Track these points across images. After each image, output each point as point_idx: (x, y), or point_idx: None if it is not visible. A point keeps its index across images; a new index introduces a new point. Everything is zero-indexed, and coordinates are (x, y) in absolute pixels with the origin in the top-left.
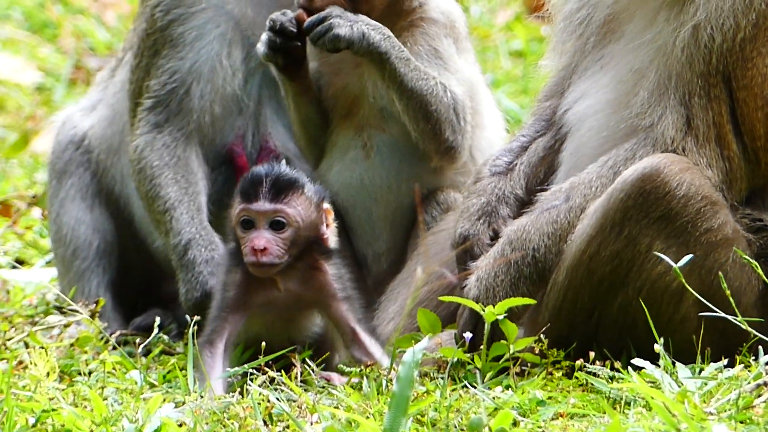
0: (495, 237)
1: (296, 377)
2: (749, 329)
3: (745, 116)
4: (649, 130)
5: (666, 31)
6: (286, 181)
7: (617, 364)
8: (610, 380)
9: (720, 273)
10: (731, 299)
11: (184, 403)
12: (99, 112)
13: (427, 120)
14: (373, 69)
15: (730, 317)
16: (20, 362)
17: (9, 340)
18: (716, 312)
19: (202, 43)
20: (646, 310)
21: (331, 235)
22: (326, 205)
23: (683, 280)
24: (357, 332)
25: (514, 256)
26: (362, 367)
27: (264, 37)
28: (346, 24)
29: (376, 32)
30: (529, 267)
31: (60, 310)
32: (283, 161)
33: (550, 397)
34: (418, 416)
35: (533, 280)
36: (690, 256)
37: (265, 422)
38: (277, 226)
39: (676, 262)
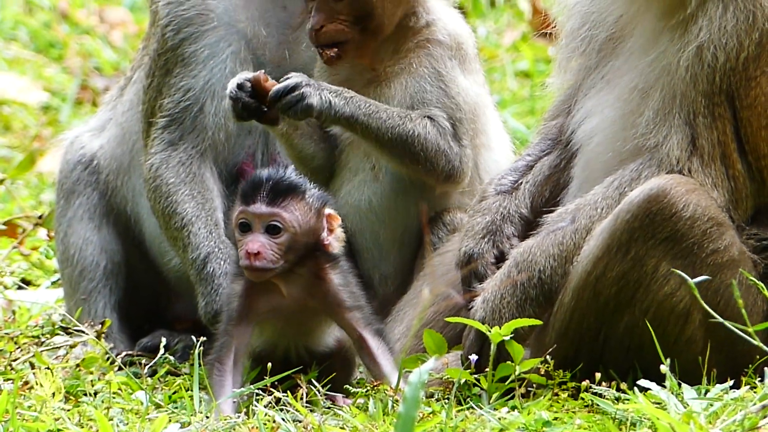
0: (499, 256)
1: (302, 398)
2: (759, 343)
3: (749, 135)
4: (654, 150)
5: (670, 51)
6: (286, 185)
7: (623, 385)
8: (615, 401)
9: (733, 282)
10: (743, 311)
11: (189, 423)
12: (108, 131)
13: (415, 161)
14: (347, 132)
15: (739, 329)
16: (26, 383)
17: (15, 360)
18: (728, 325)
19: (215, 61)
20: (652, 331)
21: (333, 242)
22: (329, 211)
23: (698, 296)
24: (365, 339)
25: (520, 278)
26: (368, 387)
27: (227, 104)
28: (316, 93)
29: (339, 98)
30: (536, 289)
31: (66, 330)
32: (290, 167)
33: (556, 418)
34: None
35: (539, 302)
36: (705, 277)
37: None
38: (273, 230)
39: (683, 283)
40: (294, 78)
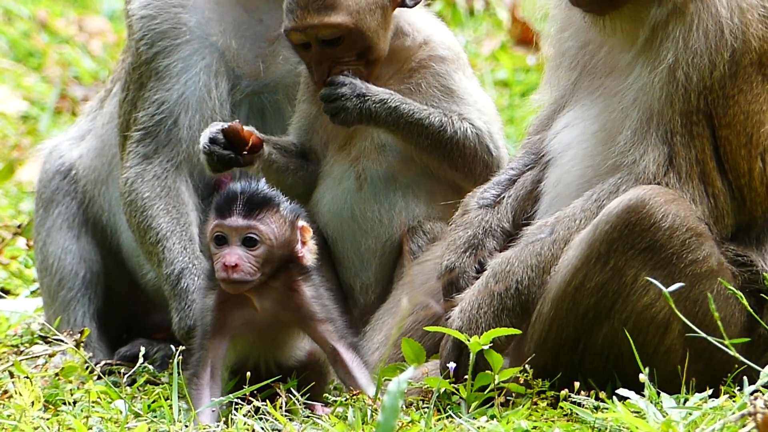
0: (481, 270)
1: (281, 407)
2: (735, 354)
3: (729, 153)
4: (632, 166)
5: (645, 71)
6: (261, 198)
7: (602, 394)
8: (595, 410)
9: (709, 295)
10: (719, 323)
11: None
12: (87, 142)
13: (454, 166)
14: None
15: (716, 341)
16: (5, 392)
17: None
18: (704, 337)
19: (188, 75)
20: (631, 341)
21: (307, 254)
22: (302, 223)
23: (673, 306)
24: (339, 352)
25: (497, 288)
26: (347, 396)
27: (201, 159)
28: (357, 102)
29: (381, 105)
30: (513, 299)
31: (45, 339)
32: (262, 179)
33: (535, 427)
34: None
35: (516, 312)
36: (680, 284)
37: None
38: (249, 242)
39: (661, 294)
40: (336, 88)
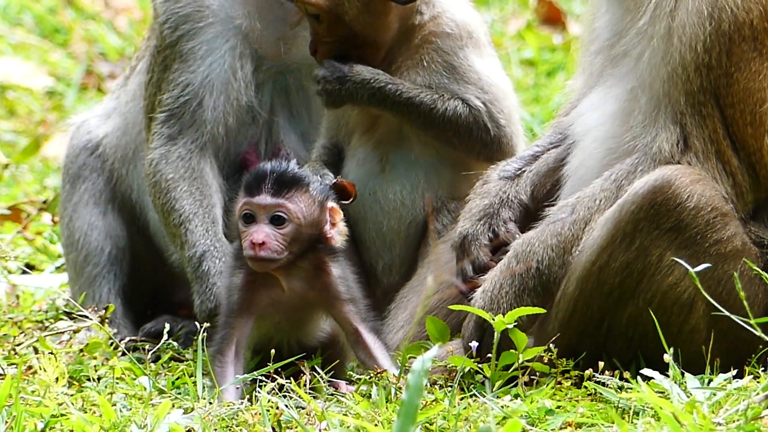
0: (495, 239)
1: (305, 385)
2: (761, 334)
3: (737, 133)
4: (646, 147)
5: (647, 50)
6: (290, 177)
7: (626, 374)
8: (618, 390)
9: (735, 275)
10: (745, 303)
11: (192, 409)
12: (113, 120)
13: (449, 143)
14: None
15: (741, 320)
16: (29, 367)
17: (18, 345)
18: (729, 316)
19: (213, 57)
20: (655, 320)
21: (336, 235)
22: (332, 204)
23: (699, 285)
24: (361, 333)
25: (518, 269)
26: (371, 374)
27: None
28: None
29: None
30: (534, 279)
31: (69, 315)
32: (294, 159)
33: (558, 407)
34: (427, 424)
35: (537, 292)
36: (706, 265)
37: (273, 429)
38: (277, 221)
39: (687, 273)
40: (325, 71)
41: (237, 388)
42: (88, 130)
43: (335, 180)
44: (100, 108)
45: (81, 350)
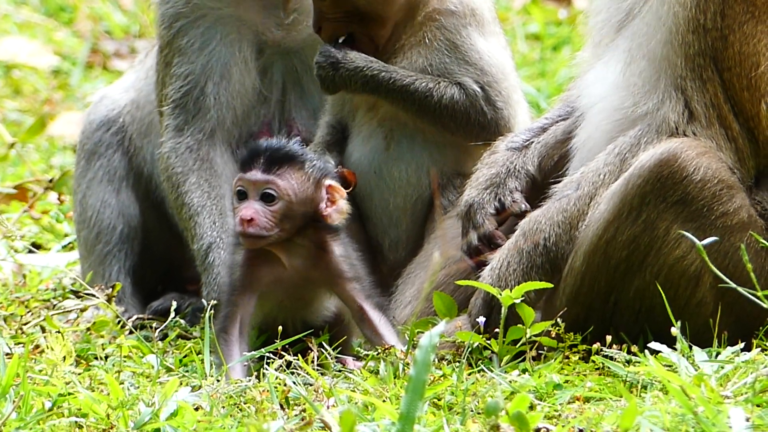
0: (500, 208)
1: (313, 361)
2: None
3: (735, 97)
4: (650, 117)
5: (647, 15)
6: (283, 154)
7: (634, 348)
8: (626, 364)
9: (742, 246)
10: (752, 275)
11: (200, 387)
12: (129, 94)
13: (447, 129)
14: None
15: (749, 292)
16: (37, 346)
17: (25, 324)
18: (737, 288)
19: (210, 47)
20: (662, 294)
21: (334, 213)
22: (331, 182)
23: (707, 259)
24: (366, 311)
25: (525, 246)
26: (379, 350)
27: None
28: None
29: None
30: (541, 256)
31: (77, 294)
32: (296, 138)
33: (566, 381)
34: (435, 400)
35: (546, 269)
36: (714, 238)
37: (281, 406)
38: (267, 198)
39: (693, 246)
40: (319, 56)
41: (244, 365)
42: (106, 105)
43: (336, 170)
44: (120, 82)
45: (88, 329)
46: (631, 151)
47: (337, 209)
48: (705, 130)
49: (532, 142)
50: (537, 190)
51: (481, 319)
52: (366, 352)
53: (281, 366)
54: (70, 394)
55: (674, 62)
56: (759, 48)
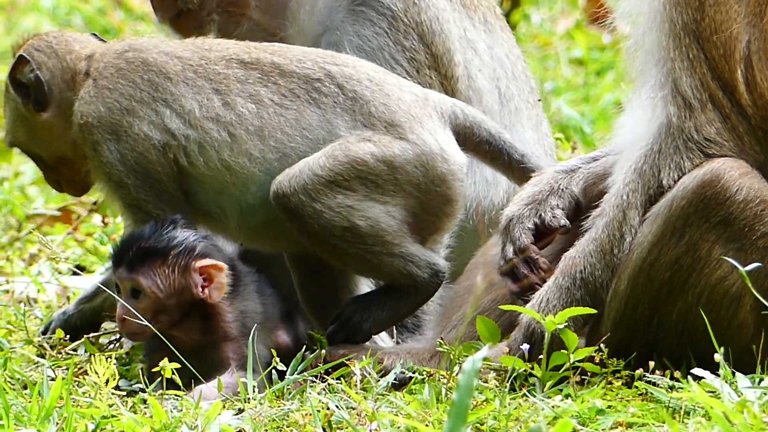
0: (540, 225)
1: (356, 384)
2: None
3: (716, 69)
4: (655, 122)
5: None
6: (146, 249)
7: (677, 374)
8: (669, 389)
9: None
10: None
11: (243, 410)
12: None
13: None
14: None
15: None
16: (80, 368)
17: (68, 346)
18: None
19: None
20: (704, 316)
21: (213, 292)
22: (204, 263)
23: (749, 283)
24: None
25: (564, 283)
26: (423, 374)
27: None
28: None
29: None
30: (579, 290)
31: None
32: (170, 224)
33: (609, 406)
34: (478, 424)
35: (585, 302)
36: (756, 264)
37: (324, 429)
38: (135, 294)
39: (734, 267)
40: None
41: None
42: None
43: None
44: None
45: (128, 352)
46: (647, 162)
47: (216, 287)
48: (705, 114)
49: (580, 168)
50: (581, 214)
51: (525, 347)
52: (410, 376)
53: (324, 390)
54: (113, 416)
55: (664, 44)
56: (731, 14)
